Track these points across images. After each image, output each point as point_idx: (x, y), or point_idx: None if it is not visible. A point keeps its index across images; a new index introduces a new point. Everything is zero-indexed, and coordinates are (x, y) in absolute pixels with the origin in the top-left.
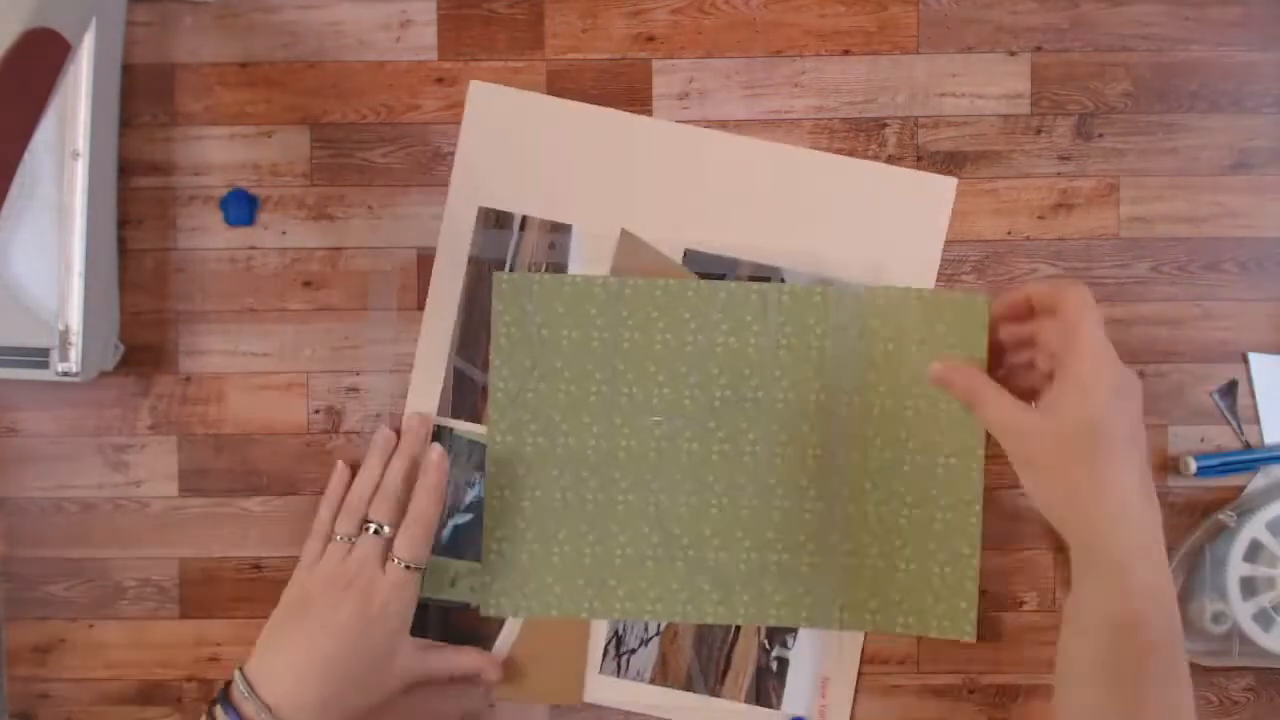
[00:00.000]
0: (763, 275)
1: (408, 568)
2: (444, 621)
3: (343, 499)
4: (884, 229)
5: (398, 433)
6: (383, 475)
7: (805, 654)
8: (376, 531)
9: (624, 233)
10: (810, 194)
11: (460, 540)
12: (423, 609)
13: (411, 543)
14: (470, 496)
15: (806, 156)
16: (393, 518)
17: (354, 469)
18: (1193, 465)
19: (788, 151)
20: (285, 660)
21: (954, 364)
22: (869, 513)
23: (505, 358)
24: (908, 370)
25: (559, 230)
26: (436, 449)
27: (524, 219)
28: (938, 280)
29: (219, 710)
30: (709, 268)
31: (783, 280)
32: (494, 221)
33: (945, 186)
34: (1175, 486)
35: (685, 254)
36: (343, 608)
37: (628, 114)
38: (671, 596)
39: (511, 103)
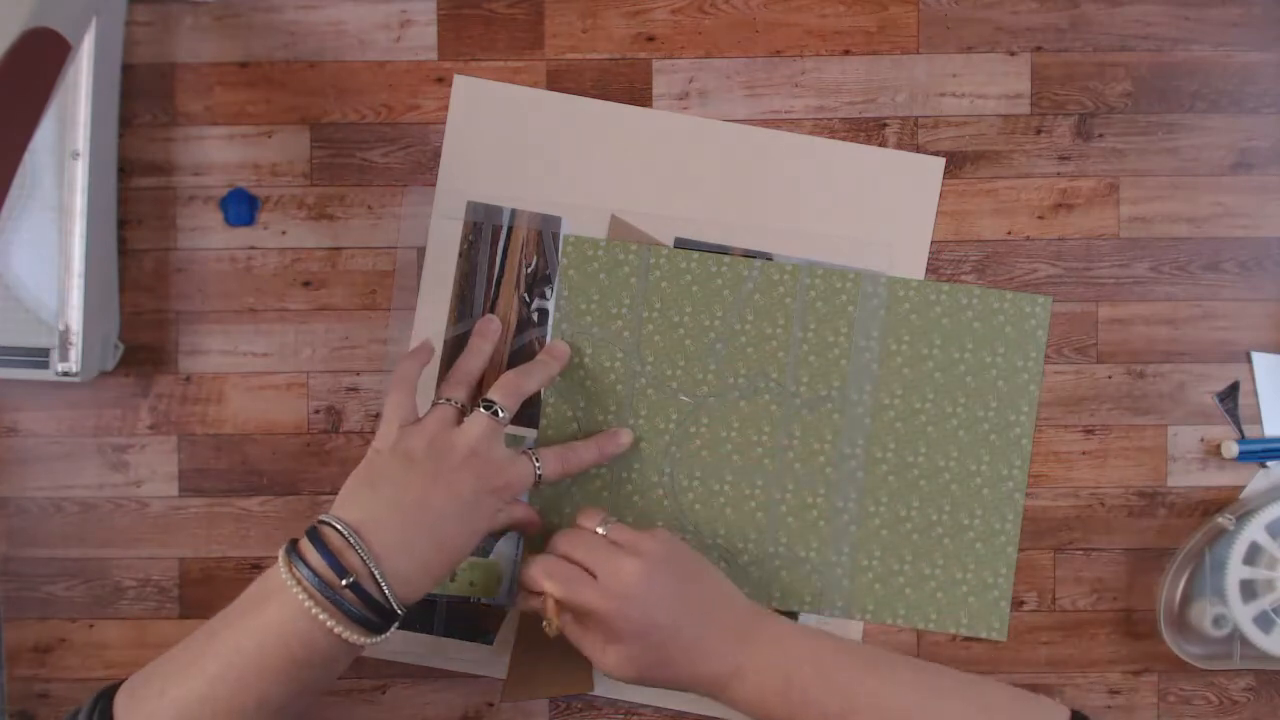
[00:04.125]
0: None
1: (532, 457)
2: (446, 614)
3: (423, 367)
4: (874, 210)
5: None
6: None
7: None
8: (495, 413)
9: (614, 218)
10: (798, 177)
11: None
12: (426, 603)
13: (505, 396)
14: None
15: (793, 140)
16: (511, 407)
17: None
18: (1234, 449)
19: (774, 136)
20: (387, 511)
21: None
22: (904, 505)
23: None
24: (956, 369)
25: (549, 221)
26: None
27: (514, 211)
28: (937, 280)
29: (314, 554)
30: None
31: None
32: (483, 214)
33: (934, 166)
34: (1175, 488)
35: (675, 241)
36: (463, 471)
37: (613, 104)
38: None
39: (497, 96)
